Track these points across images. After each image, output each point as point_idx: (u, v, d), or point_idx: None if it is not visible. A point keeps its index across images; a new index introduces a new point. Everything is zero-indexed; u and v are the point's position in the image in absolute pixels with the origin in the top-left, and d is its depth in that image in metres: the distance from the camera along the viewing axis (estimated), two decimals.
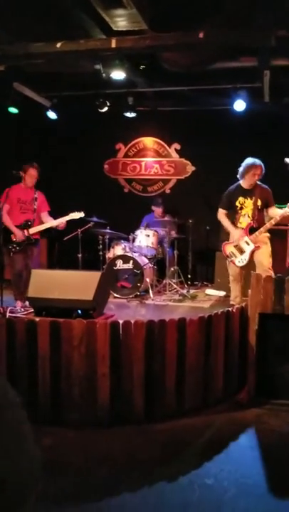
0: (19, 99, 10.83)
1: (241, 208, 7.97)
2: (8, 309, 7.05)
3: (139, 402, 4.82)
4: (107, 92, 10.91)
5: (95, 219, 10.31)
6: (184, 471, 3.86)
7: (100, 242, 10.78)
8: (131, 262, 9.87)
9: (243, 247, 7.84)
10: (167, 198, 12.23)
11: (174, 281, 10.61)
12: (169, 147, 12.66)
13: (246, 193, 7.95)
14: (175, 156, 12.64)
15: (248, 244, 7.78)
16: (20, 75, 9.91)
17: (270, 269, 7.64)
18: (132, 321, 4.85)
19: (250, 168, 7.85)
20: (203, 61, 8.98)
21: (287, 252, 9.98)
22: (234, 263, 7.96)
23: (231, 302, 8.13)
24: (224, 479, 3.76)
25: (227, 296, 10.30)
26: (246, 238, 7.79)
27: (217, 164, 11.68)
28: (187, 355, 4.99)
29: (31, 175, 8.47)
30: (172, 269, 10.69)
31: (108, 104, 11.12)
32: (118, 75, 9.19)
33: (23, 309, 7.77)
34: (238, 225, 8.01)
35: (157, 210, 11.51)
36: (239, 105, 10.54)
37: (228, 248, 8.04)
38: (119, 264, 9.94)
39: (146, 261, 10.09)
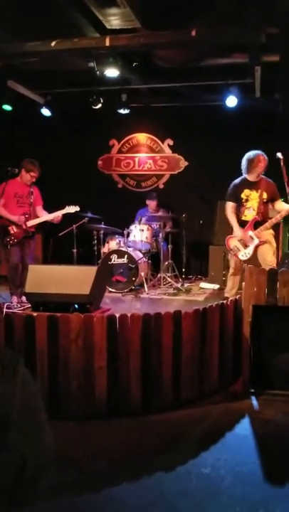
0: (13, 96, 10.87)
1: (247, 201, 7.95)
2: (5, 305, 7.10)
3: (136, 394, 4.89)
4: (100, 89, 10.94)
5: (89, 214, 10.36)
6: (181, 461, 3.94)
7: (95, 237, 10.84)
8: (126, 256, 9.92)
9: (248, 241, 7.84)
10: (161, 193, 12.29)
11: (169, 275, 10.68)
12: (162, 143, 12.72)
13: (252, 186, 7.93)
14: (168, 151, 12.70)
15: (252, 238, 7.77)
16: (15, 72, 9.95)
17: (273, 267, 7.49)
18: (129, 315, 4.92)
19: (252, 160, 7.86)
20: (196, 58, 9.04)
21: (279, 245, 10.06)
22: (237, 256, 7.93)
23: (226, 294, 8.18)
24: (221, 468, 3.84)
25: (221, 289, 10.41)
26: (251, 233, 7.78)
27: (210, 159, 11.77)
28: (183, 348, 5.07)
29: (33, 175, 8.51)
30: (166, 263, 10.75)
31: (102, 100, 11.17)
32: (112, 72, 9.24)
33: (19, 305, 7.84)
34: (243, 218, 7.98)
35: (151, 204, 11.56)
36: (231, 101, 10.61)
37: (232, 242, 8.01)
38: (114, 259, 9.99)
39: (141, 255, 10.15)
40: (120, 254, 10.00)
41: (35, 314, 5.06)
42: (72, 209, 8.57)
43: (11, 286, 8.51)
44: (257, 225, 7.78)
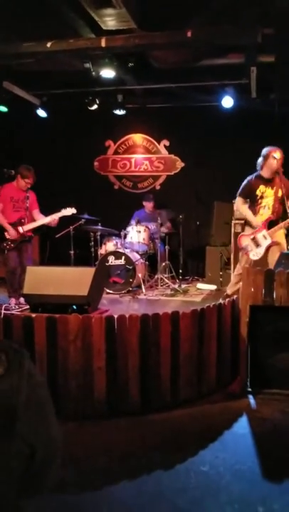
0: (9, 97, 10.90)
1: (261, 197, 7.72)
2: (3, 307, 7.13)
3: (135, 394, 4.93)
4: (96, 90, 10.97)
5: (86, 216, 10.38)
6: (181, 459, 3.98)
7: (92, 238, 10.85)
8: (123, 257, 9.94)
9: (260, 240, 7.63)
10: (157, 194, 12.30)
11: (166, 276, 10.70)
12: (158, 144, 12.74)
13: (267, 182, 7.68)
14: (164, 152, 12.72)
15: (265, 238, 7.57)
16: (10, 73, 9.98)
17: None
18: (127, 316, 4.96)
19: (265, 156, 7.63)
20: (191, 58, 9.08)
21: None
22: (248, 255, 7.71)
23: (228, 290, 8.17)
24: (219, 466, 3.88)
25: (218, 289, 10.45)
26: (264, 232, 7.58)
27: (206, 160, 11.81)
28: (181, 348, 5.10)
29: (28, 182, 8.52)
30: (164, 264, 10.78)
31: (97, 101, 11.21)
32: (107, 73, 9.26)
33: (17, 306, 7.86)
34: (258, 217, 7.73)
35: (148, 205, 11.57)
36: (227, 102, 10.63)
37: (245, 240, 7.79)
38: (112, 260, 10.02)
39: (138, 256, 10.18)
40: (117, 255, 10.03)
41: (33, 315, 5.09)
42: (68, 211, 8.59)
43: (9, 289, 8.54)
44: (271, 224, 7.60)
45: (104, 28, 7.89)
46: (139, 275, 10.00)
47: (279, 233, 7.68)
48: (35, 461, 1.07)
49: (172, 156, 12.64)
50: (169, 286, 10.39)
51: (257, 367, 5.52)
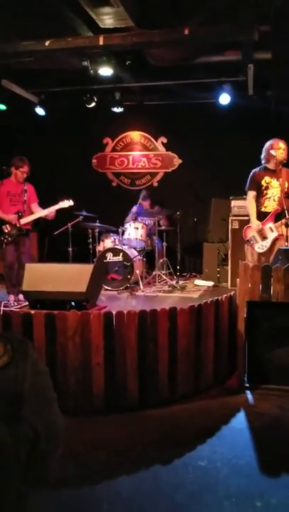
0: (7, 95, 10.92)
1: (267, 188, 7.52)
2: (2, 304, 7.16)
3: (134, 389, 4.97)
4: (94, 88, 10.99)
5: (84, 213, 10.40)
6: (179, 454, 4.02)
7: (90, 235, 10.88)
8: (121, 254, 9.96)
9: (267, 233, 7.43)
10: (155, 190, 12.33)
11: (164, 272, 10.72)
12: (156, 141, 12.75)
13: (272, 174, 7.50)
14: (162, 149, 12.73)
15: (271, 230, 7.39)
16: (9, 72, 10.00)
17: None
18: (125, 312, 5.00)
19: (270, 146, 7.52)
20: (189, 56, 9.10)
21: None
22: (253, 248, 7.52)
23: None
24: (217, 461, 3.92)
25: (215, 286, 10.49)
26: (271, 224, 7.40)
27: (203, 156, 11.81)
28: (178, 343, 5.14)
29: (23, 170, 8.55)
30: (161, 260, 10.78)
31: (95, 99, 11.22)
32: (105, 71, 9.28)
33: (16, 303, 7.89)
34: (263, 209, 7.54)
35: (144, 204, 11.60)
36: (224, 99, 10.65)
37: (250, 232, 7.58)
38: (109, 257, 10.03)
39: (136, 253, 10.20)
40: (115, 252, 10.05)
41: (32, 312, 5.12)
42: (65, 204, 8.58)
43: (8, 285, 8.55)
44: (278, 217, 7.40)
45: (102, 26, 7.91)
46: (137, 272, 10.03)
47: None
48: (39, 444, 1.11)
49: (170, 153, 12.65)
50: (166, 282, 10.41)
51: (254, 362, 5.56)
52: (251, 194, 7.64)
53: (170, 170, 12.66)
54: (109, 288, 9.85)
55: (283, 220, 7.20)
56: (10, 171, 8.51)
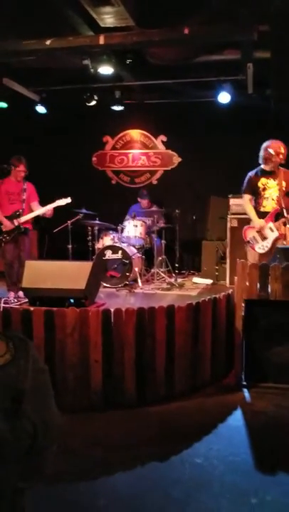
0: (8, 93, 10.94)
1: (264, 189, 7.42)
2: (2, 300, 7.18)
3: (131, 386, 5.01)
4: (94, 86, 10.97)
5: (84, 210, 10.42)
6: (175, 451, 4.07)
7: (90, 233, 10.89)
8: (120, 252, 9.97)
9: (267, 233, 7.32)
10: (154, 189, 12.34)
11: (162, 270, 10.73)
12: (156, 139, 12.76)
13: (269, 175, 7.43)
14: (161, 147, 12.74)
15: (272, 230, 7.26)
16: (10, 70, 10.02)
17: None
18: (123, 309, 5.03)
19: (264, 149, 7.44)
20: (188, 55, 9.12)
21: None
22: (254, 249, 7.43)
23: None
24: (213, 458, 3.97)
25: (214, 284, 10.51)
26: (271, 224, 7.28)
27: (203, 155, 11.83)
28: (176, 341, 5.18)
29: (20, 170, 8.58)
30: (160, 258, 10.80)
31: (96, 97, 11.23)
32: (106, 69, 9.30)
33: (16, 300, 7.91)
34: (262, 209, 7.46)
35: (143, 202, 11.61)
36: (224, 97, 10.65)
37: (250, 232, 7.50)
38: (109, 255, 10.04)
39: (135, 251, 10.22)
40: (114, 249, 10.06)
41: (32, 309, 5.16)
42: (63, 201, 8.58)
43: (8, 282, 8.58)
44: (278, 216, 7.30)
45: (102, 25, 7.94)
46: (136, 269, 10.05)
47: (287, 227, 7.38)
48: (38, 439, 1.16)
49: (169, 151, 12.66)
50: (165, 280, 10.43)
51: (252, 361, 5.60)
52: (247, 197, 7.61)
53: (169, 168, 12.67)
54: (108, 285, 9.86)
55: (282, 220, 7.18)
56: (10, 169, 8.53)
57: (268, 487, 3.56)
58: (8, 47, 8.43)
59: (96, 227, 10.80)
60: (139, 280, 9.98)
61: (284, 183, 7.34)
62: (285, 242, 7.17)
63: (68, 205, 8.87)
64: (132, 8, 7.49)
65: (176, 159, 12.57)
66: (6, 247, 8.46)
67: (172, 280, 10.34)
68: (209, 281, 10.61)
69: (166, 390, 5.16)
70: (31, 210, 8.61)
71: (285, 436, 4.44)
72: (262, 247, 7.35)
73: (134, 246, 10.31)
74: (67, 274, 6.32)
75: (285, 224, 7.12)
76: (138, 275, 10.05)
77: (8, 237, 8.39)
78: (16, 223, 8.38)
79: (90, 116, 12.00)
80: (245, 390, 5.47)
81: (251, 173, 7.59)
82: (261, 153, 7.47)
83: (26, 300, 6.86)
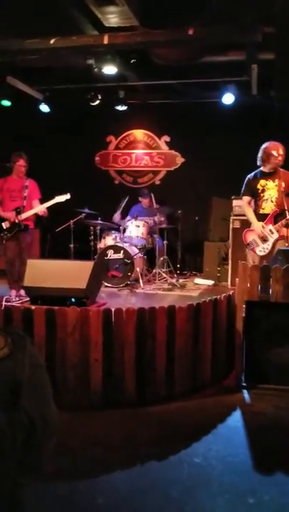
0: (12, 92, 10.96)
1: (263, 191, 7.42)
2: (4, 298, 7.20)
3: (131, 386, 5.02)
4: (98, 86, 11.00)
5: (86, 210, 10.45)
6: (174, 451, 4.08)
7: (92, 232, 10.92)
8: (121, 251, 9.98)
9: (267, 235, 7.30)
10: (157, 189, 12.32)
11: (164, 270, 10.73)
12: (159, 139, 12.78)
13: (268, 176, 7.42)
14: (165, 148, 12.76)
15: (271, 232, 7.27)
16: (14, 69, 10.04)
17: None
18: (124, 309, 5.05)
19: (264, 150, 7.44)
20: (193, 56, 9.13)
21: None
22: (255, 252, 7.40)
23: None
24: (212, 458, 3.98)
25: (215, 285, 10.52)
26: (270, 227, 7.28)
27: (206, 156, 11.84)
28: (176, 341, 5.19)
29: (20, 164, 8.60)
30: (162, 258, 10.80)
31: (99, 97, 11.25)
32: (110, 69, 9.31)
33: (17, 298, 7.93)
34: (261, 211, 7.44)
35: (144, 201, 11.61)
36: (228, 98, 10.67)
37: (250, 235, 7.49)
38: (110, 254, 10.05)
39: (137, 251, 10.22)
40: (116, 249, 10.07)
41: (33, 307, 5.17)
42: (62, 198, 8.57)
43: (10, 280, 8.61)
44: (277, 218, 7.30)
45: (106, 25, 7.96)
46: (138, 269, 10.05)
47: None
48: (35, 432, 1.18)
49: (172, 151, 12.67)
50: (166, 280, 10.44)
51: (252, 362, 5.61)
52: (246, 199, 7.62)
53: (172, 168, 12.69)
54: (109, 285, 9.88)
55: (283, 221, 7.16)
56: (12, 167, 8.55)
57: (266, 487, 3.57)
58: (12, 46, 8.44)
59: (98, 227, 10.82)
60: (140, 280, 9.99)
61: (283, 184, 7.33)
62: (287, 244, 7.18)
63: (71, 205, 8.89)
64: (136, 8, 7.51)
65: (180, 160, 12.59)
66: (8, 245, 8.49)
67: (174, 281, 10.35)
68: (211, 282, 10.61)
69: (166, 390, 5.18)
70: (32, 207, 8.61)
71: (284, 438, 4.45)
72: (262, 249, 7.33)
73: (136, 246, 10.32)
74: (69, 273, 6.32)
75: (286, 226, 7.13)
76: (140, 275, 10.06)
77: (9, 234, 8.41)
78: (16, 220, 8.40)
79: (93, 115, 12.02)
80: (245, 391, 5.47)
81: (250, 176, 7.61)
82: (260, 154, 7.48)
83: (28, 299, 6.87)
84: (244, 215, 8.15)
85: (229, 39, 8.18)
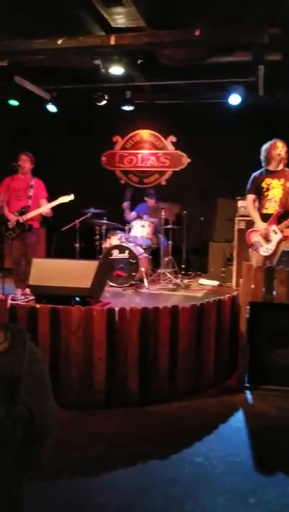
0: (20, 91, 11.00)
1: (268, 190, 7.37)
2: (10, 297, 7.23)
3: (134, 385, 5.04)
4: (105, 86, 11.00)
5: (92, 210, 10.48)
6: (176, 450, 4.10)
7: (97, 232, 10.95)
8: (126, 251, 10.01)
9: (270, 235, 7.27)
10: (163, 189, 12.35)
11: (169, 270, 10.74)
12: (165, 139, 12.79)
13: (273, 175, 7.39)
14: (171, 148, 12.77)
15: (275, 233, 7.23)
16: (22, 68, 10.07)
17: None
18: (127, 308, 5.07)
19: (267, 149, 7.45)
20: (199, 56, 9.15)
21: None
22: (258, 252, 7.36)
23: None
24: (213, 458, 3.99)
25: (220, 285, 10.53)
26: (274, 227, 7.24)
27: (212, 156, 11.84)
28: (179, 341, 5.20)
29: (22, 160, 8.64)
30: (167, 258, 10.82)
31: (106, 97, 11.27)
32: (116, 70, 9.33)
33: (23, 297, 7.96)
34: (264, 211, 7.40)
35: (150, 202, 11.63)
36: (234, 99, 10.67)
37: (254, 236, 7.45)
38: (115, 254, 10.08)
39: (142, 251, 10.25)
40: (121, 249, 10.10)
41: (38, 306, 5.20)
42: (66, 198, 8.59)
43: (15, 279, 8.66)
44: (281, 219, 7.26)
45: (113, 25, 7.98)
46: (142, 269, 10.08)
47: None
48: (34, 426, 1.20)
49: (179, 152, 12.68)
50: (171, 280, 10.46)
51: (255, 363, 5.61)
52: (251, 198, 7.55)
53: (178, 169, 12.69)
54: (114, 284, 9.91)
55: (287, 222, 7.15)
56: (18, 167, 8.59)
57: (266, 487, 3.58)
58: (19, 46, 8.48)
59: (104, 227, 10.85)
60: (145, 280, 10.02)
61: (288, 184, 7.31)
62: None
63: (77, 205, 8.91)
64: (143, 9, 7.53)
65: (186, 160, 12.60)
66: (13, 244, 8.54)
67: (178, 281, 10.37)
68: (215, 283, 10.63)
69: (169, 389, 5.19)
70: (38, 207, 8.64)
71: (286, 439, 4.46)
72: (266, 250, 7.30)
73: (141, 246, 10.35)
74: (74, 272, 6.34)
75: None
76: (144, 275, 10.08)
77: (14, 233, 8.45)
78: (21, 220, 8.44)
79: (100, 115, 12.04)
80: (248, 392, 5.48)
81: (256, 173, 7.57)
82: (264, 153, 7.48)
83: (33, 297, 6.90)
84: (249, 216, 8.14)
85: (236, 40, 8.19)
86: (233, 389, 5.54)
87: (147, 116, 12.49)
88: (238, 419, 4.86)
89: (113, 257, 10.07)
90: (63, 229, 10.64)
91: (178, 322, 5.18)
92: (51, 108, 11.92)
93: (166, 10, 7.78)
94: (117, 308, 5.08)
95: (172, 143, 12.74)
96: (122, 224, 10.77)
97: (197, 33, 7.74)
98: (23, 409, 1.18)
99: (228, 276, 10.75)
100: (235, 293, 6.00)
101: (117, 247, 10.17)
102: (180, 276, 10.81)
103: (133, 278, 9.94)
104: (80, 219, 10.42)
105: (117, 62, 9.11)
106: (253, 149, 7.98)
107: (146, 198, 11.67)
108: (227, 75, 10.38)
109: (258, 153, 7.68)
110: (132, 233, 10.44)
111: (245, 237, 7.73)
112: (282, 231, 7.21)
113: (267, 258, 7.24)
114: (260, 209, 7.47)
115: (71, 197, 8.61)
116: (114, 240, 10.49)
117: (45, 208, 8.55)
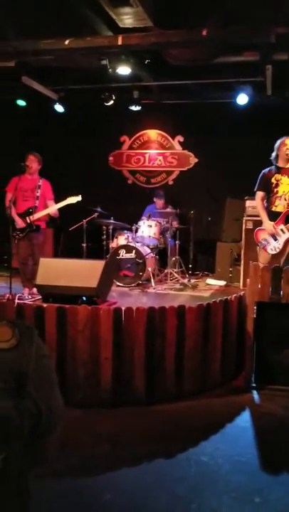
0: (27, 92, 11.03)
1: (277, 186, 7.33)
2: (17, 296, 7.25)
3: (140, 384, 5.04)
4: (112, 86, 11.02)
5: (99, 210, 10.49)
6: (182, 449, 4.10)
7: (104, 232, 10.98)
8: (133, 251, 10.02)
9: (278, 234, 7.26)
10: (170, 189, 12.38)
11: (176, 270, 10.75)
12: (173, 139, 12.80)
13: (282, 171, 7.35)
14: (178, 148, 12.78)
15: (283, 232, 7.21)
16: (29, 69, 10.09)
17: None
18: (134, 308, 5.07)
19: (278, 146, 7.41)
20: (207, 56, 9.14)
21: None
22: (266, 250, 7.33)
23: None
24: (219, 457, 4.00)
25: (227, 285, 10.53)
26: (282, 226, 7.22)
27: (219, 156, 11.85)
28: (186, 341, 5.20)
29: (30, 161, 8.66)
30: (174, 258, 10.83)
31: (114, 97, 11.28)
32: (124, 70, 9.34)
33: (30, 296, 7.98)
34: (273, 208, 7.35)
35: (159, 202, 11.63)
36: (242, 99, 10.68)
37: (262, 234, 7.42)
38: (122, 254, 10.09)
39: (149, 251, 10.25)
40: (128, 249, 10.11)
41: (44, 305, 5.21)
42: (73, 199, 8.62)
43: (23, 279, 8.69)
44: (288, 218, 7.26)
45: (121, 26, 7.99)
46: (149, 269, 10.09)
47: None
48: (41, 420, 1.22)
49: (186, 151, 12.69)
50: (178, 280, 10.46)
51: (262, 363, 5.60)
52: (259, 195, 7.51)
53: (186, 169, 12.71)
54: (121, 284, 9.92)
55: None
56: (25, 167, 8.61)
57: (272, 487, 3.58)
58: (27, 46, 8.50)
59: (111, 227, 10.86)
60: (152, 280, 10.03)
61: None
62: None
63: (84, 204, 8.92)
64: (150, 9, 7.54)
65: (193, 160, 12.61)
66: (20, 245, 8.57)
67: (185, 281, 10.37)
68: (223, 283, 10.63)
69: (175, 389, 5.19)
70: (47, 208, 8.67)
71: None
72: (274, 248, 7.28)
73: (148, 246, 10.35)
74: (80, 272, 6.36)
75: None
76: (151, 275, 10.09)
77: (22, 234, 8.48)
78: (28, 221, 8.47)
79: (107, 115, 12.07)
80: (255, 392, 5.48)
81: (265, 170, 7.54)
82: (274, 152, 7.44)
83: (40, 297, 6.92)
84: (257, 216, 8.12)
85: (243, 40, 8.20)
86: (239, 389, 5.53)
87: (155, 116, 12.50)
88: (245, 418, 4.85)
89: (120, 256, 10.08)
90: (70, 229, 10.66)
91: (184, 322, 5.18)
92: (59, 108, 11.95)
93: (173, 10, 7.78)
94: (123, 308, 5.08)
95: (179, 143, 12.75)
96: (128, 224, 10.77)
97: (204, 33, 7.74)
98: (30, 404, 1.20)
99: (236, 276, 10.75)
100: (242, 293, 5.99)
101: (124, 246, 10.18)
102: (187, 276, 10.81)
103: (140, 278, 9.94)
104: (88, 219, 10.44)
105: (124, 62, 9.13)
106: (261, 149, 7.97)
107: (155, 199, 11.67)
108: (235, 75, 10.37)
109: (266, 153, 7.67)
110: (139, 233, 10.44)
111: (252, 237, 7.72)
112: None
113: (274, 257, 7.23)
114: (269, 206, 7.43)
115: (79, 198, 8.63)
116: (122, 239, 10.50)
117: (54, 208, 8.59)
